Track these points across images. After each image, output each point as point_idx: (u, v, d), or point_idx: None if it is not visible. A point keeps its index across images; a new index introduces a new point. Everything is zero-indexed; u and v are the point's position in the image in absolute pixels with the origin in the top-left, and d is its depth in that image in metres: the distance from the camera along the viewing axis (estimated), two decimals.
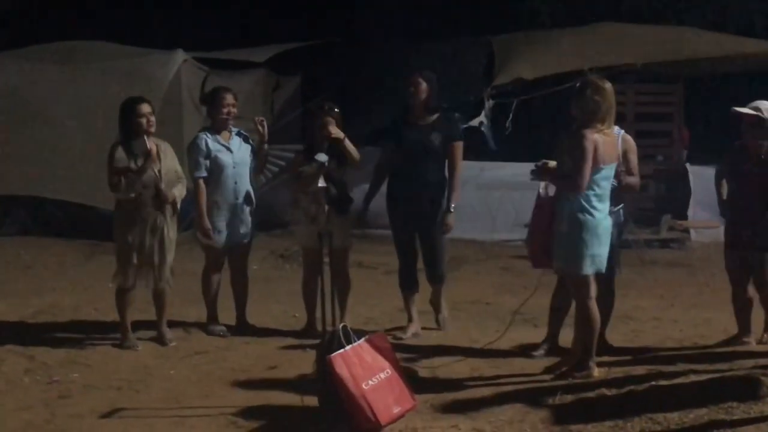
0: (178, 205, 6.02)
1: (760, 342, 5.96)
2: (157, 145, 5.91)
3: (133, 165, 5.80)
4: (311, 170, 5.89)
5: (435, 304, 6.54)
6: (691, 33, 11.66)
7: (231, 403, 4.89)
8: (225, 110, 6.28)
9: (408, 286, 6.40)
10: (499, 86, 10.79)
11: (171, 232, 6.00)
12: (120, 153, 5.84)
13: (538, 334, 5.99)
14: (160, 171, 5.86)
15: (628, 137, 5.71)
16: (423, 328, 6.42)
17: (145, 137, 5.76)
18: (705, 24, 13.05)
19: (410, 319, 6.37)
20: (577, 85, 5.27)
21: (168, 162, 5.95)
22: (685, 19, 13.43)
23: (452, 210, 6.20)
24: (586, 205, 5.06)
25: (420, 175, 6.19)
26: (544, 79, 10.40)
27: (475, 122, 10.53)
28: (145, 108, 5.87)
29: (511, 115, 10.49)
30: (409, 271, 6.38)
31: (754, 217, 5.70)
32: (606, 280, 5.61)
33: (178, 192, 5.99)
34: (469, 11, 13.56)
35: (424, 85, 6.20)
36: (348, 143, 6.06)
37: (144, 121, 5.83)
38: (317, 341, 4.95)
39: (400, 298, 6.55)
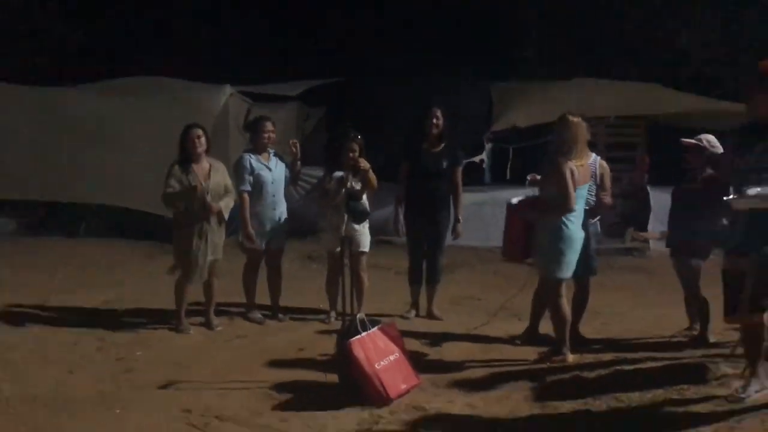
0: (226, 215, 6.05)
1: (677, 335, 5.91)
2: (210, 164, 5.97)
3: (184, 180, 5.84)
4: (334, 187, 6.01)
5: (429, 300, 6.67)
6: (657, 90, 11.63)
7: (266, 378, 4.93)
8: (266, 135, 6.34)
9: (416, 281, 6.64)
10: (497, 132, 10.93)
11: (216, 237, 6.01)
12: (176, 170, 5.88)
13: (522, 326, 6.00)
14: (208, 186, 5.90)
15: (604, 163, 5.74)
16: (422, 317, 6.59)
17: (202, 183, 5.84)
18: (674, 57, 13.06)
19: (414, 304, 6.67)
20: None
21: (218, 177, 5.99)
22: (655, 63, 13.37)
23: (461, 220, 6.49)
24: (564, 220, 5.09)
25: (431, 191, 6.43)
26: (536, 127, 10.43)
27: (476, 158, 10.78)
28: (196, 132, 5.93)
29: (509, 164, 10.72)
30: (418, 269, 6.60)
31: (697, 227, 5.51)
32: (583, 281, 5.65)
33: (225, 203, 6.01)
34: (471, 57, 13.53)
35: (442, 120, 6.37)
36: (371, 173, 6.08)
37: (194, 142, 5.88)
38: (339, 328, 4.98)
39: (409, 293, 6.71)
